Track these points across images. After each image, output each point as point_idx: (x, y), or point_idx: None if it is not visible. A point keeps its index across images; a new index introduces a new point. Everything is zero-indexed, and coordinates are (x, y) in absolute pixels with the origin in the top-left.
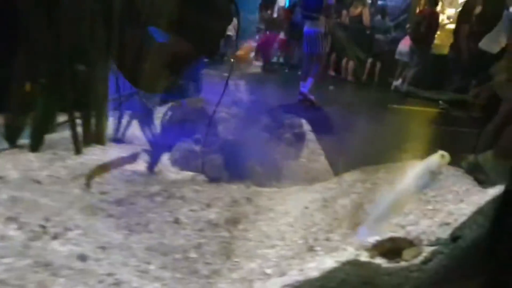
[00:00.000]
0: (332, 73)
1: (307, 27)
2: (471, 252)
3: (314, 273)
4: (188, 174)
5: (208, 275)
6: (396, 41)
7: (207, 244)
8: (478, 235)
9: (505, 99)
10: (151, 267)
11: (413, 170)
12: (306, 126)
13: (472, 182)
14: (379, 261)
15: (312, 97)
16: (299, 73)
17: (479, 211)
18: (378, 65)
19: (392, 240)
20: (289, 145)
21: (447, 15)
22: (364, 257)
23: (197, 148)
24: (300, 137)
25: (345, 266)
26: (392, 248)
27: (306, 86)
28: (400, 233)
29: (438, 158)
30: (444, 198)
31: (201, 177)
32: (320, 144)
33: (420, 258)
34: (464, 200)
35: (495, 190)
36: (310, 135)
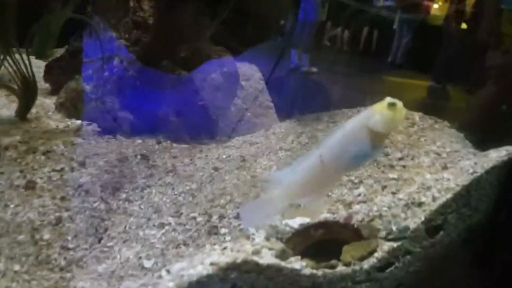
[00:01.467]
0: (327, 43)
1: None
2: (459, 252)
3: (170, 285)
4: (76, 122)
5: (64, 266)
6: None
7: (71, 219)
8: (470, 225)
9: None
10: None
11: (341, 129)
12: (256, 74)
13: (462, 140)
14: (299, 263)
15: (314, 69)
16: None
17: (474, 186)
18: (376, 34)
19: (325, 226)
20: (216, 89)
21: None
22: (270, 254)
23: (88, 88)
24: (229, 78)
25: (232, 273)
26: (323, 241)
27: (304, 64)
28: (339, 215)
29: (384, 108)
30: (416, 162)
31: (93, 127)
32: (272, 97)
33: (373, 261)
34: (449, 167)
35: (500, 154)
36: (261, 85)
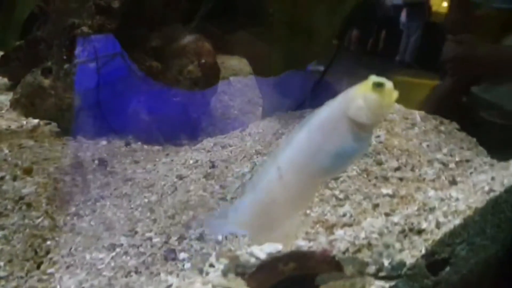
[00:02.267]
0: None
1: None
2: None
3: None
4: (33, 122)
5: None
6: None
7: (6, 240)
8: (485, 258)
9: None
10: None
11: (312, 120)
12: (246, 68)
13: (475, 146)
14: None
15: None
16: None
17: (490, 209)
18: (383, 33)
19: (297, 258)
20: (194, 84)
21: None
22: None
23: (47, 81)
24: (208, 71)
25: None
26: (295, 278)
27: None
28: (317, 243)
29: (368, 90)
30: (417, 173)
31: (52, 127)
32: (262, 93)
33: None
34: (458, 182)
35: None
36: (250, 81)
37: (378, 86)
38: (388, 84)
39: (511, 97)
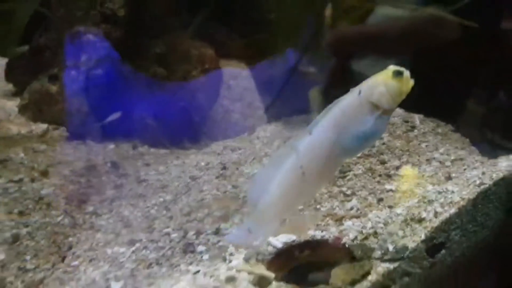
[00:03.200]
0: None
1: None
2: (463, 273)
3: None
4: (42, 126)
5: None
6: None
7: (30, 237)
8: (476, 242)
9: None
10: None
11: (336, 106)
12: (245, 72)
13: (468, 146)
14: None
15: (312, 69)
16: None
17: (480, 200)
18: None
19: (311, 246)
20: (197, 89)
21: None
22: (248, 281)
23: (54, 88)
24: (211, 76)
25: None
26: (310, 263)
27: (302, 64)
28: (328, 233)
29: (388, 78)
30: (417, 171)
31: (61, 132)
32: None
33: (366, 285)
34: (453, 178)
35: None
36: (250, 84)
37: (397, 74)
38: (406, 73)
39: (372, 67)
